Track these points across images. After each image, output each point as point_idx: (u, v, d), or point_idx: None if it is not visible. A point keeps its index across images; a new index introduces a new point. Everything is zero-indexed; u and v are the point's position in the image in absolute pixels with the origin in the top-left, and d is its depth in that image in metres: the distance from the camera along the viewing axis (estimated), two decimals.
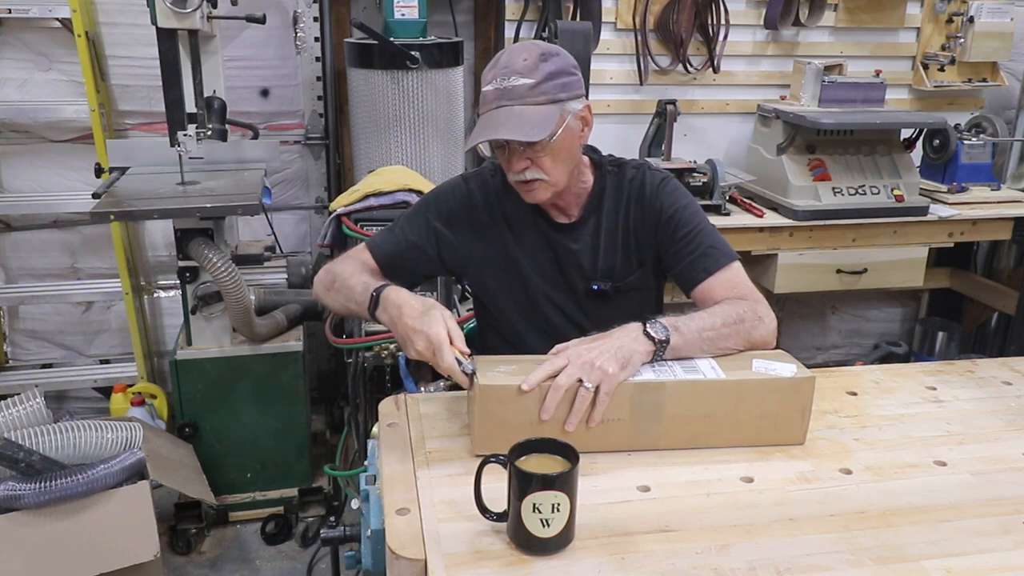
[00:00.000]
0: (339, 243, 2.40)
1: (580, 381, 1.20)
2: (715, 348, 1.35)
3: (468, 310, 2.42)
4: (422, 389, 2.27)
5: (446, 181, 1.70)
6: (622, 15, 3.16)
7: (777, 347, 1.41)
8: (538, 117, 1.40)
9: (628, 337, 1.28)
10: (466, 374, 1.23)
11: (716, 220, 2.86)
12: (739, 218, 2.93)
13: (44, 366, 3.11)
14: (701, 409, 1.26)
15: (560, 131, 1.44)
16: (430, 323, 1.26)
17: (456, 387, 2.24)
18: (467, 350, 1.26)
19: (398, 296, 1.36)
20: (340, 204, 2.38)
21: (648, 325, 1.29)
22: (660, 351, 1.28)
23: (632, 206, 1.59)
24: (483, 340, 1.75)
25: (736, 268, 1.51)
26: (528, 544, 1.01)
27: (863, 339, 3.88)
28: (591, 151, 1.63)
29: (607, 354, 1.22)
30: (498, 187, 1.62)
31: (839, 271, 2.99)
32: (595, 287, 1.60)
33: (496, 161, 1.60)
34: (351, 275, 1.51)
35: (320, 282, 1.58)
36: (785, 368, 1.29)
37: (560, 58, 1.44)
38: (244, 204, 2.35)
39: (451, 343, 1.25)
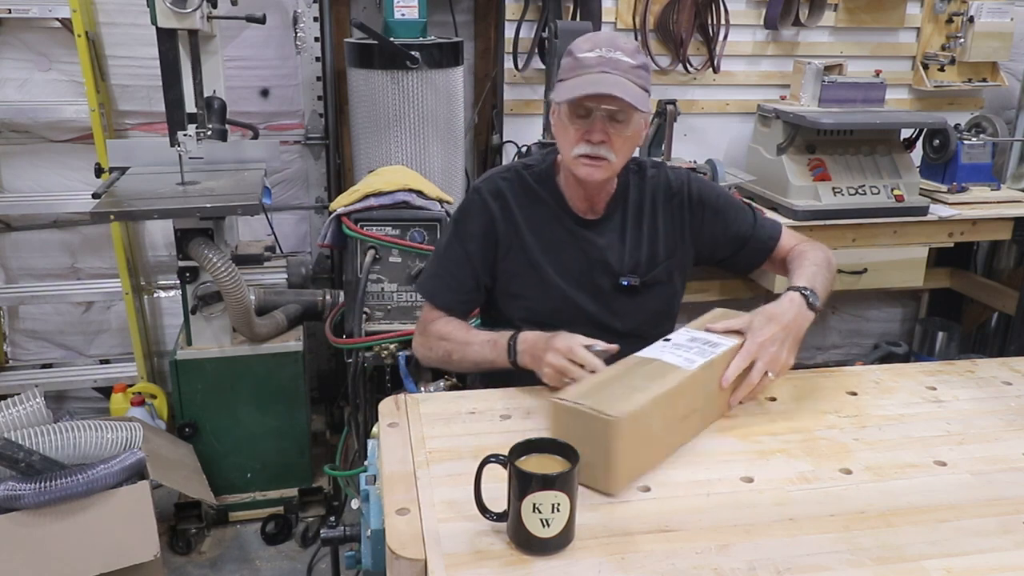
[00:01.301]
0: (339, 243, 2.40)
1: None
2: (826, 295, 1.54)
3: None
4: (422, 389, 2.27)
5: (462, 201, 1.69)
6: (622, 15, 3.16)
7: None
8: (639, 94, 1.46)
9: (799, 313, 1.42)
10: (603, 353, 1.35)
11: None
12: None
13: (44, 366, 3.11)
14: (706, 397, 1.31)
15: (644, 117, 1.51)
16: (556, 339, 1.37)
17: (456, 387, 2.25)
18: (592, 341, 1.37)
19: (530, 335, 1.45)
20: (340, 204, 2.38)
21: (808, 296, 1.44)
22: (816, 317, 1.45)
23: (659, 203, 1.64)
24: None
25: (788, 230, 1.72)
26: (528, 544, 1.01)
27: (863, 339, 3.88)
28: None
29: (788, 344, 1.37)
30: (515, 191, 1.63)
31: (839, 271, 2.98)
32: (624, 282, 1.62)
33: (515, 167, 1.65)
34: (467, 340, 1.56)
35: (428, 353, 1.63)
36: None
37: (647, 60, 1.54)
38: (244, 204, 2.35)
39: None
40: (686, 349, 1.32)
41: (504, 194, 1.62)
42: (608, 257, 1.62)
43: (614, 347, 1.37)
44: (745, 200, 2.99)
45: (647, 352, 1.33)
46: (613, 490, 1.14)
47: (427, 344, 1.63)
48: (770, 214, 2.95)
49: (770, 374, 1.35)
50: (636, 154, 1.66)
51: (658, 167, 1.68)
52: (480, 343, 1.53)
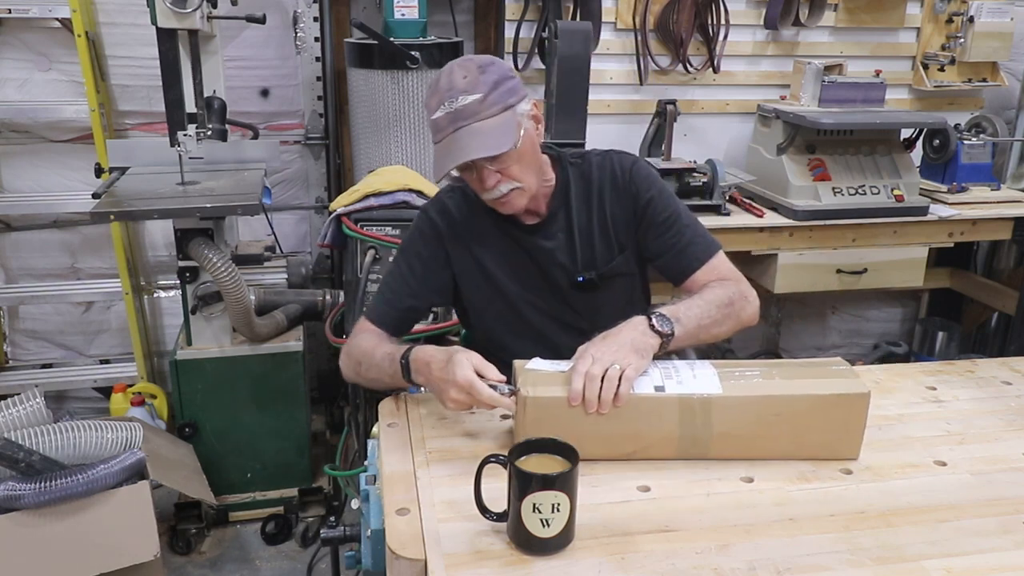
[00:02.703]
0: (339, 243, 2.40)
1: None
2: (710, 335, 1.41)
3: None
4: (422, 389, 2.26)
5: (415, 222, 1.67)
6: (622, 15, 3.16)
7: (777, 346, 1.41)
8: (498, 128, 1.40)
9: (637, 332, 1.31)
10: (509, 394, 1.25)
11: (716, 220, 2.86)
12: (739, 218, 2.93)
13: (44, 366, 3.11)
14: (750, 426, 1.23)
15: (521, 135, 1.43)
16: (454, 369, 1.27)
17: None
18: (502, 377, 1.27)
19: (424, 354, 1.37)
20: (340, 204, 2.38)
21: (653, 319, 1.33)
22: (666, 343, 1.32)
23: (606, 193, 1.58)
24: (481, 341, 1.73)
25: (721, 256, 1.56)
26: (528, 544, 1.01)
27: (863, 339, 3.88)
28: (548, 148, 1.62)
29: (625, 348, 1.26)
30: (459, 206, 1.61)
31: (839, 271, 2.99)
32: (581, 279, 1.58)
33: (452, 183, 1.61)
34: (372, 350, 1.49)
35: (347, 367, 1.56)
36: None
37: (496, 66, 1.44)
38: (244, 204, 2.35)
39: (482, 377, 1.26)
40: (656, 367, 1.28)
41: (450, 211, 1.61)
42: (559, 258, 1.58)
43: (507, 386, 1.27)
44: (751, 206, 3.03)
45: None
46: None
47: (346, 354, 1.57)
48: (770, 214, 2.96)
49: (616, 365, 1.21)
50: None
51: (604, 155, 1.61)
52: (381, 356, 1.45)
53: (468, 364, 1.27)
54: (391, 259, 1.66)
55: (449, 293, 1.65)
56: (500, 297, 1.61)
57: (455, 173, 1.46)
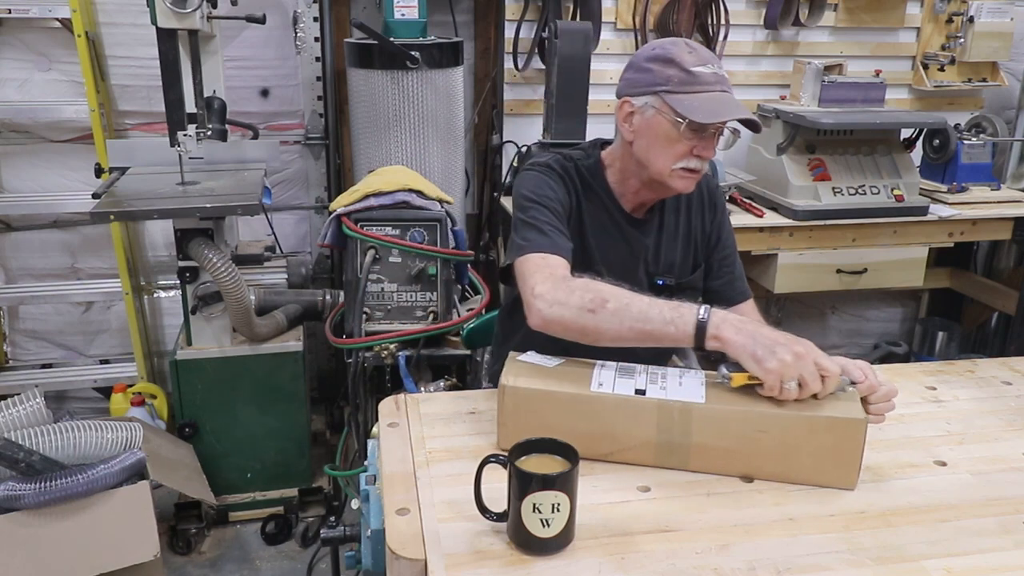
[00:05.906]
0: (339, 243, 2.40)
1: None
2: None
3: (468, 309, 2.42)
4: (422, 389, 2.27)
5: (533, 175, 1.59)
6: (622, 15, 3.16)
7: None
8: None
9: None
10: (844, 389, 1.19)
11: None
12: (739, 218, 2.92)
13: (44, 366, 3.11)
14: (731, 440, 1.19)
15: None
16: (809, 347, 1.18)
17: (456, 387, 2.25)
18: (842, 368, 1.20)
19: (734, 316, 1.23)
20: (340, 204, 2.38)
21: None
22: None
23: (694, 205, 1.67)
24: (528, 337, 1.44)
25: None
26: (528, 544, 1.01)
27: (863, 339, 3.88)
28: None
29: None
30: (572, 177, 1.62)
31: (839, 271, 2.99)
32: (660, 282, 1.64)
33: (565, 156, 1.63)
34: (624, 293, 1.30)
35: (572, 303, 1.31)
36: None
37: None
38: (244, 204, 2.35)
39: None
40: (644, 372, 1.25)
41: (571, 174, 1.62)
42: (649, 256, 1.65)
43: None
44: (751, 206, 3.03)
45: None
46: (500, 445, 1.26)
47: (567, 290, 1.33)
48: (770, 214, 2.96)
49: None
50: None
51: None
52: (650, 301, 1.27)
53: (817, 350, 1.18)
54: (526, 210, 1.51)
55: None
56: (588, 274, 1.51)
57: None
